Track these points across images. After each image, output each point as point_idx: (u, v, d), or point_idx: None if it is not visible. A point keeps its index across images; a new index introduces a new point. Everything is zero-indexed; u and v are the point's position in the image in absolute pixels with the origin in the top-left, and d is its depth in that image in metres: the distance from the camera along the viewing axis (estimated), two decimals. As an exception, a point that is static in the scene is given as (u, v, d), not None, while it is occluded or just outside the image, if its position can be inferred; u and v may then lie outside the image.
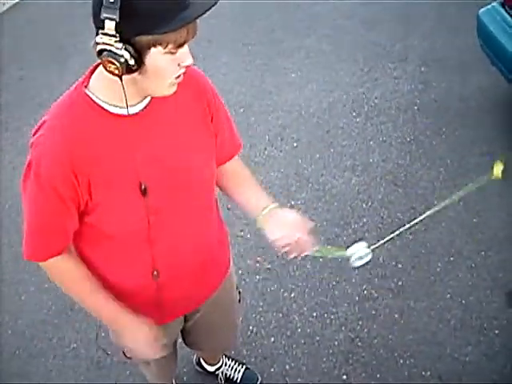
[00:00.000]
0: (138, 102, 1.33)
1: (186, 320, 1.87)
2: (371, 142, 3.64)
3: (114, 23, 1.11)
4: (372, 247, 1.54)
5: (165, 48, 1.18)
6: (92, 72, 1.34)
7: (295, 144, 3.70)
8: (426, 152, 3.53)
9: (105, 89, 1.29)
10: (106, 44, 1.14)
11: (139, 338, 1.58)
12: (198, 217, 1.56)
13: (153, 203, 1.39)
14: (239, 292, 2.07)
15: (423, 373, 2.52)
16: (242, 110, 3.95)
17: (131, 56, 1.15)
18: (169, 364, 2.17)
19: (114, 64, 1.16)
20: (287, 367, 2.60)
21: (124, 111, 1.30)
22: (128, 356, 1.88)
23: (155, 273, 1.53)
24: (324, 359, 2.61)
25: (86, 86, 1.32)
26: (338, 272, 2.92)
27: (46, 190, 1.32)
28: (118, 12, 1.10)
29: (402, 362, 2.56)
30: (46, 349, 2.79)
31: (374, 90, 4.05)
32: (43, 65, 4.87)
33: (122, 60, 1.15)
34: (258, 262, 3.01)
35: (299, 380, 2.55)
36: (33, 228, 1.43)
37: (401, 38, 4.49)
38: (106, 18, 1.11)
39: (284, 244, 1.51)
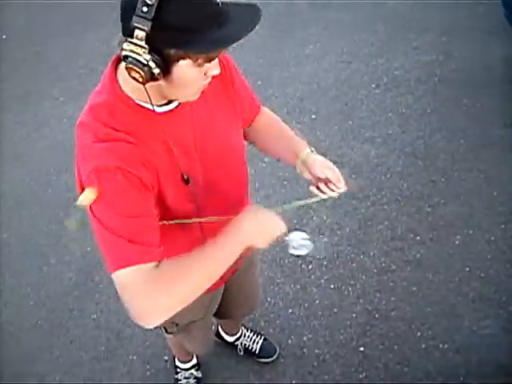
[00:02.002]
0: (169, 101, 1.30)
1: None
2: (390, 114, 3.60)
3: (144, 33, 1.07)
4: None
5: (194, 62, 1.14)
6: (114, 68, 1.28)
7: (313, 116, 3.67)
8: (446, 124, 3.48)
9: (138, 88, 1.21)
10: (133, 52, 1.09)
11: (264, 228, 1.36)
12: (237, 190, 1.59)
13: (197, 190, 1.39)
14: None
15: (441, 345, 2.52)
16: (259, 82, 3.92)
17: (157, 66, 1.11)
18: (210, 330, 2.23)
19: (138, 72, 1.12)
20: (305, 338, 2.62)
21: (161, 109, 1.27)
22: (169, 331, 1.91)
23: None
24: (341, 331, 2.62)
25: (120, 88, 1.26)
26: (357, 244, 2.92)
27: (134, 181, 1.23)
28: (150, 23, 1.05)
29: (419, 334, 2.57)
30: (67, 320, 2.84)
31: (393, 61, 3.98)
32: (59, 39, 4.87)
33: (147, 69, 1.11)
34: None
35: (316, 351, 2.57)
36: (128, 230, 1.23)
37: (421, 8, 4.39)
38: (137, 27, 1.06)
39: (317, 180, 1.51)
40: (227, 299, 2.01)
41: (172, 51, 1.10)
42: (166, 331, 1.92)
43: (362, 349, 2.55)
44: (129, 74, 1.14)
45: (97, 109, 1.26)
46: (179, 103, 1.31)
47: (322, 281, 2.80)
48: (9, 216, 3.42)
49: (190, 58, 1.12)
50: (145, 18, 1.05)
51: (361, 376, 2.48)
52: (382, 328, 2.61)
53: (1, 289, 3.03)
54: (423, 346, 2.53)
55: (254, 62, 4.12)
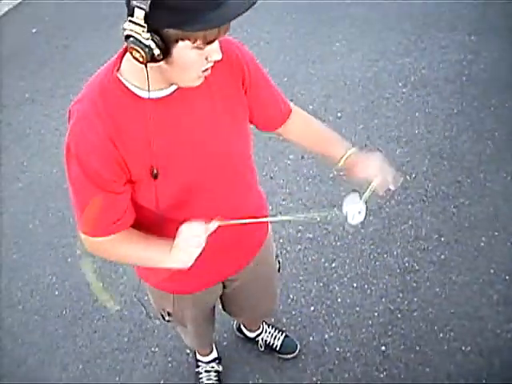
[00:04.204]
0: (168, 86, 1.31)
1: (224, 287, 1.90)
2: (417, 113, 3.57)
3: (143, 12, 1.09)
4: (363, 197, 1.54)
5: (193, 43, 1.15)
6: (123, 54, 1.31)
7: (339, 114, 3.66)
8: (473, 124, 3.44)
9: (136, 72, 1.25)
10: (133, 31, 1.13)
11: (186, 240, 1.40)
12: (234, 189, 1.54)
13: (173, 186, 1.40)
14: (278, 261, 2.08)
15: (463, 347, 2.50)
16: (285, 80, 3.92)
17: (157, 46, 1.13)
18: (206, 329, 2.21)
19: (138, 52, 1.14)
20: (326, 336, 2.62)
21: (154, 95, 1.28)
22: (166, 319, 1.93)
23: None
24: (363, 330, 2.61)
25: (118, 70, 1.30)
26: (380, 243, 2.91)
27: (89, 175, 1.30)
28: (148, 2, 1.08)
29: (441, 335, 2.55)
30: (91, 310, 2.88)
31: (421, 60, 3.95)
32: (87, 34, 4.92)
33: (147, 49, 1.13)
34: (299, 231, 3.01)
35: (337, 349, 2.57)
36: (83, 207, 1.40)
37: (449, 7, 4.35)
38: (136, 6, 1.09)
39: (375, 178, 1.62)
40: (235, 300, 2.02)
41: (171, 31, 1.12)
42: (163, 318, 1.94)
43: (383, 348, 2.55)
44: (131, 54, 1.17)
45: (91, 87, 1.33)
46: (173, 91, 1.31)
47: (345, 279, 2.80)
48: (36, 207, 3.48)
49: (188, 38, 1.13)
50: None
51: (381, 375, 2.47)
52: (403, 328, 2.60)
53: (27, 278, 3.08)
54: (445, 347, 2.52)
55: (280, 59, 4.12)
